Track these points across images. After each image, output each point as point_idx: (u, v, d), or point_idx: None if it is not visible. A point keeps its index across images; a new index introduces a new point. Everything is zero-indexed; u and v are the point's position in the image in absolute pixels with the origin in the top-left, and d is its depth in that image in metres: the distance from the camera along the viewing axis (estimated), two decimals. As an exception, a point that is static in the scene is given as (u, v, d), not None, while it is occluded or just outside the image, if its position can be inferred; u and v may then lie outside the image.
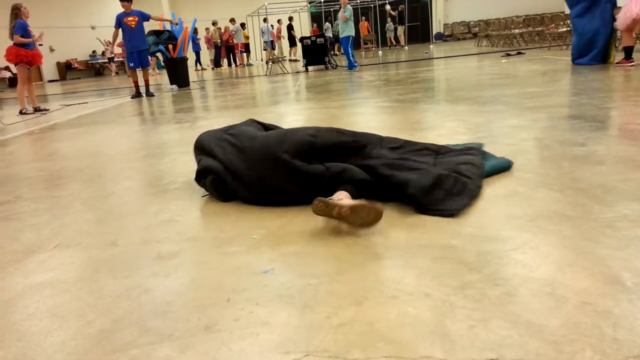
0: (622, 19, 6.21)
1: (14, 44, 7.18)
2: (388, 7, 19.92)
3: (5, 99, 12.45)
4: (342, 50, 11.07)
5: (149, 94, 8.83)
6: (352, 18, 10.57)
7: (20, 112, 7.42)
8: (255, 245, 1.76)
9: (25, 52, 7.26)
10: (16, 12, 7.21)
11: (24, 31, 7.17)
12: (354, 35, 10.65)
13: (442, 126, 3.59)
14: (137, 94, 8.86)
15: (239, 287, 1.46)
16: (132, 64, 8.78)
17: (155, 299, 1.43)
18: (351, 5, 11.06)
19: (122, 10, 8.42)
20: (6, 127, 6.00)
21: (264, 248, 1.73)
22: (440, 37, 24.47)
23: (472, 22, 23.95)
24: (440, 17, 24.65)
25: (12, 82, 18.53)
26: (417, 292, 1.33)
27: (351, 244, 1.69)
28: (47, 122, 6.30)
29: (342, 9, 10.53)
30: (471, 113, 4.03)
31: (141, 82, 9.04)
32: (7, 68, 18.20)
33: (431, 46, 19.61)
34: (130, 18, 8.37)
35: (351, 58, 10.70)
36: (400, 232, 1.75)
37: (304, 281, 1.45)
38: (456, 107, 4.43)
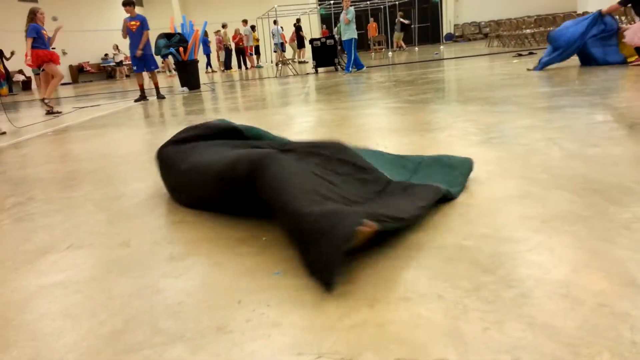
0: (632, 37, 6.38)
1: (32, 47, 7.29)
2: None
3: (19, 101, 12.59)
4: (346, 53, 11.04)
5: (160, 97, 8.83)
6: (355, 20, 10.59)
7: (49, 111, 7.61)
8: (266, 247, 1.76)
9: (43, 53, 7.37)
10: (32, 17, 7.31)
11: (37, 34, 7.26)
12: (356, 37, 10.67)
13: (453, 127, 3.57)
14: (141, 97, 8.77)
15: (250, 288, 1.45)
16: (135, 68, 8.82)
17: (167, 300, 1.43)
18: (361, 6, 11.08)
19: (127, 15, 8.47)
20: (19, 129, 6.06)
21: (274, 249, 1.73)
22: (451, 37, 24.37)
23: (482, 23, 23.82)
24: (450, 17, 24.55)
25: (26, 85, 18.76)
26: (430, 294, 1.32)
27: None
28: (60, 124, 6.36)
29: (344, 11, 10.53)
30: (483, 113, 4.00)
31: (150, 85, 9.07)
32: (20, 71, 18.42)
33: (441, 47, 19.54)
34: (133, 22, 8.41)
35: (358, 60, 10.76)
36: (411, 232, 1.73)
37: (315, 282, 1.44)
38: (467, 107, 4.40)
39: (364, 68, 10.76)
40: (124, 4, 8.33)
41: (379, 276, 1.44)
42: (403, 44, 20.42)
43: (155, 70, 8.97)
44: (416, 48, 20.72)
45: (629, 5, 6.82)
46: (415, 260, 1.52)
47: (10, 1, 18.10)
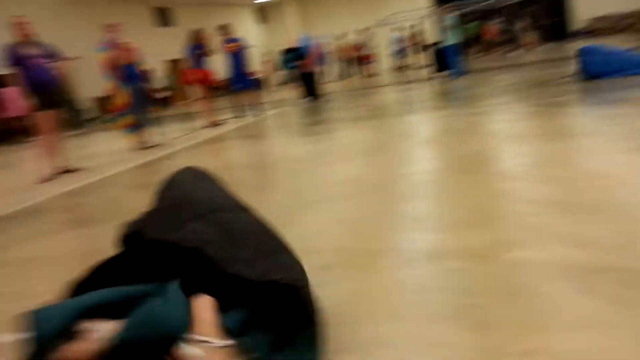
0: None
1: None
2: None
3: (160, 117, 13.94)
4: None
5: (254, 114, 8.59)
6: (457, 25, 10.77)
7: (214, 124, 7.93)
8: (413, 258, 1.76)
9: (196, 72, 7.91)
10: (195, 37, 7.77)
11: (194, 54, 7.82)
12: (460, 41, 10.93)
13: (598, 132, 3.27)
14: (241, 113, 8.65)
15: (405, 302, 1.46)
16: (234, 87, 8.71)
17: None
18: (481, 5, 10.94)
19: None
20: (173, 140, 6.71)
21: (422, 262, 1.72)
22: (580, 34, 22.39)
23: (620, 14, 21.50)
24: (580, 11, 22.56)
25: (164, 101, 20.64)
26: (606, 321, 1.22)
27: (516, 263, 1.61)
28: (200, 137, 6.90)
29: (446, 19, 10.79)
30: (635, 117, 3.61)
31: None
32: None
33: (574, 43, 18.02)
34: (233, 44, 8.43)
35: (459, 65, 10.63)
36: (570, 250, 1.62)
37: (469, 300, 1.41)
38: (615, 110, 4.01)
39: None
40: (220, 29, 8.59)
41: (541, 299, 1.37)
42: (532, 43, 18.95)
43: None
44: (544, 46, 19.32)
45: None
46: (579, 282, 1.42)
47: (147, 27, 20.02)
